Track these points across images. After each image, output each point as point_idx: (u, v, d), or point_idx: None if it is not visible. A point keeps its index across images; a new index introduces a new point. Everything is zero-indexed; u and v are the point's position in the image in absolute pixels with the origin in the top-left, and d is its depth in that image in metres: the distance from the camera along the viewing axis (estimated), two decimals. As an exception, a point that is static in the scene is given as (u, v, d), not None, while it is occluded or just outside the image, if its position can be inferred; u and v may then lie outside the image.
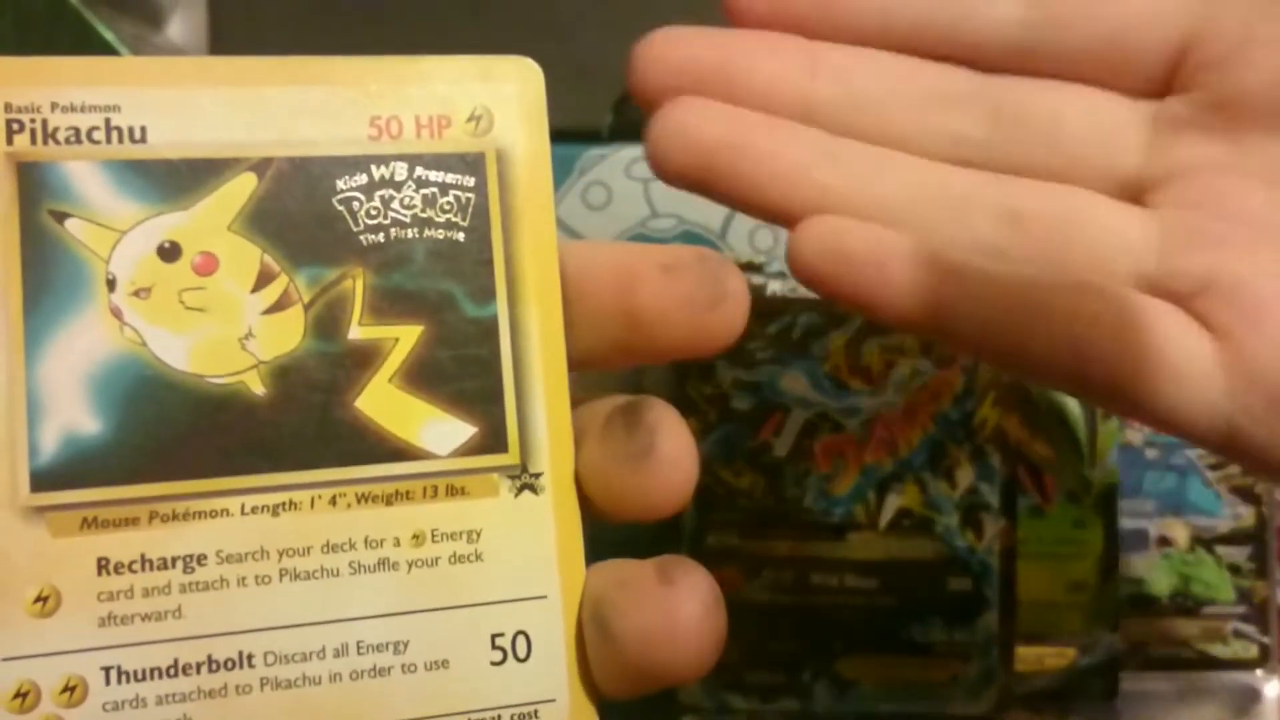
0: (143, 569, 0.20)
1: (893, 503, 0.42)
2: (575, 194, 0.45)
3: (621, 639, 0.21)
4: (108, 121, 0.21)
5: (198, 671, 0.20)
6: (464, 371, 0.22)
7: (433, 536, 0.22)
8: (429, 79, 0.22)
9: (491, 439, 0.22)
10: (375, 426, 0.22)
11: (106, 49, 0.37)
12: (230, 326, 0.21)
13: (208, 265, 0.21)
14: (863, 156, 0.27)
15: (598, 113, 0.44)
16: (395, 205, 0.22)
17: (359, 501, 0.21)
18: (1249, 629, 0.46)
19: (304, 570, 0.21)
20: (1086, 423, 0.44)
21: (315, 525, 0.21)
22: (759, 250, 0.45)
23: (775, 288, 0.42)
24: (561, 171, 0.44)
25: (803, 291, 0.30)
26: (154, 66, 0.22)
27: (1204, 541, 0.46)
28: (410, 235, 0.22)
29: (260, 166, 0.22)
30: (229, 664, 0.21)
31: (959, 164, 0.27)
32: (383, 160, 0.22)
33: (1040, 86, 0.27)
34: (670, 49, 0.27)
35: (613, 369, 0.24)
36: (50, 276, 0.21)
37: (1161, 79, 0.27)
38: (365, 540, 0.21)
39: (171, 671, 0.20)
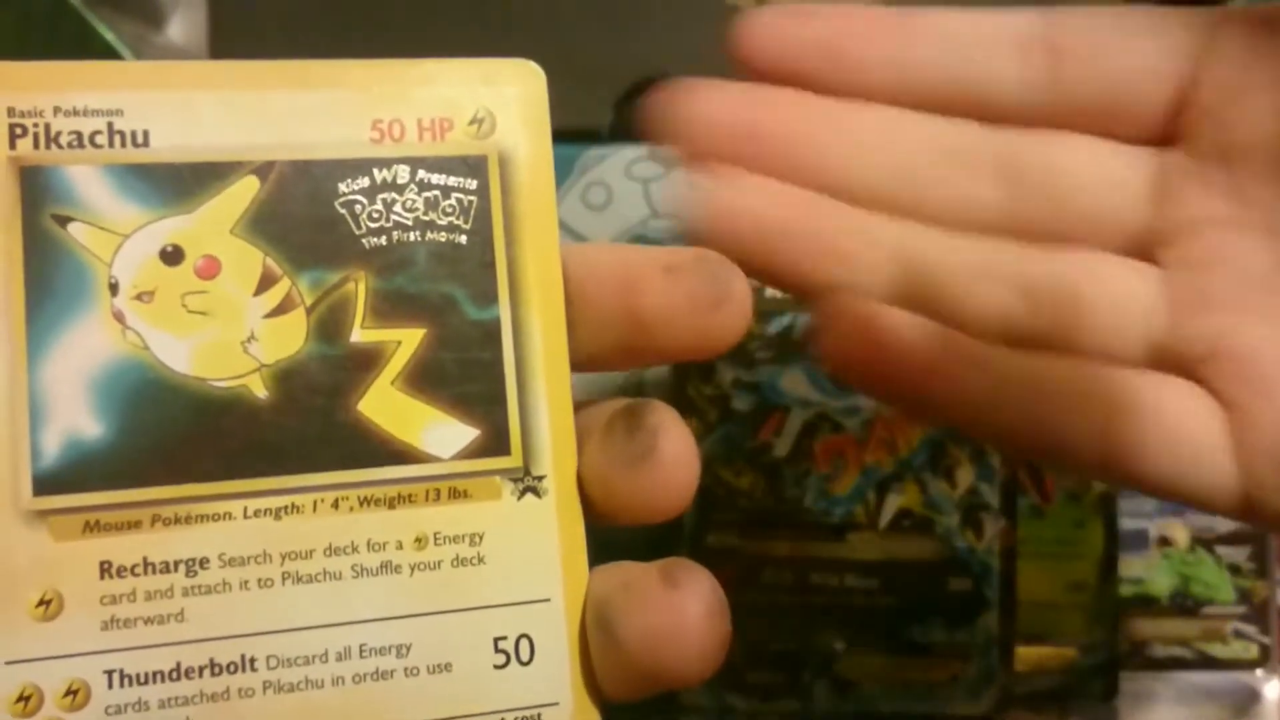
0: (145, 572, 0.21)
1: (893, 503, 0.42)
2: (575, 194, 0.45)
3: (626, 641, 0.21)
4: (110, 125, 0.21)
5: (200, 675, 0.20)
6: (466, 374, 0.22)
7: (435, 539, 0.22)
8: (431, 82, 0.22)
9: (494, 442, 0.22)
10: (378, 429, 0.22)
11: (107, 49, 0.37)
12: (233, 330, 0.21)
13: (210, 269, 0.21)
14: (903, 237, 0.27)
15: (598, 113, 0.44)
16: (397, 208, 0.22)
17: (361, 505, 0.21)
18: (1249, 629, 0.46)
19: (306, 573, 0.21)
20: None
21: (318, 528, 0.21)
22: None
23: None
24: (561, 171, 0.44)
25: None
26: (156, 71, 0.22)
27: (1204, 541, 0.47)
28: (412, 238, 0.22)
29: (262, 170, 0.22)
30: (231, 667, 0.21)
31: (971, 226, 0.27)
32: (385, 163, 0.22)
33: (1049, 140, 0.27)
34: (698, 108, 0.27)
35: (615, 370, 0.24)
36: (53, 280, 0.21)
37: (1164, 128, 0.26)
38: (368, 543, 0.21)
39: (174, 675, 0.20)
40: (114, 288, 0.21)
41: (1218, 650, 0.46)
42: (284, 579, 0.21)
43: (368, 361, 0.22)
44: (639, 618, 0.21)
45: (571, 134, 0.44)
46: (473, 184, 0.22)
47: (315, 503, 0.21)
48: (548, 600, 0.22)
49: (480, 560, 0.22)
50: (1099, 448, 0.25)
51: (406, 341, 0.22)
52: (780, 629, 0.41)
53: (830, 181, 0.27)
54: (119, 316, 0.21)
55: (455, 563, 0.22)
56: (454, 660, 0.22)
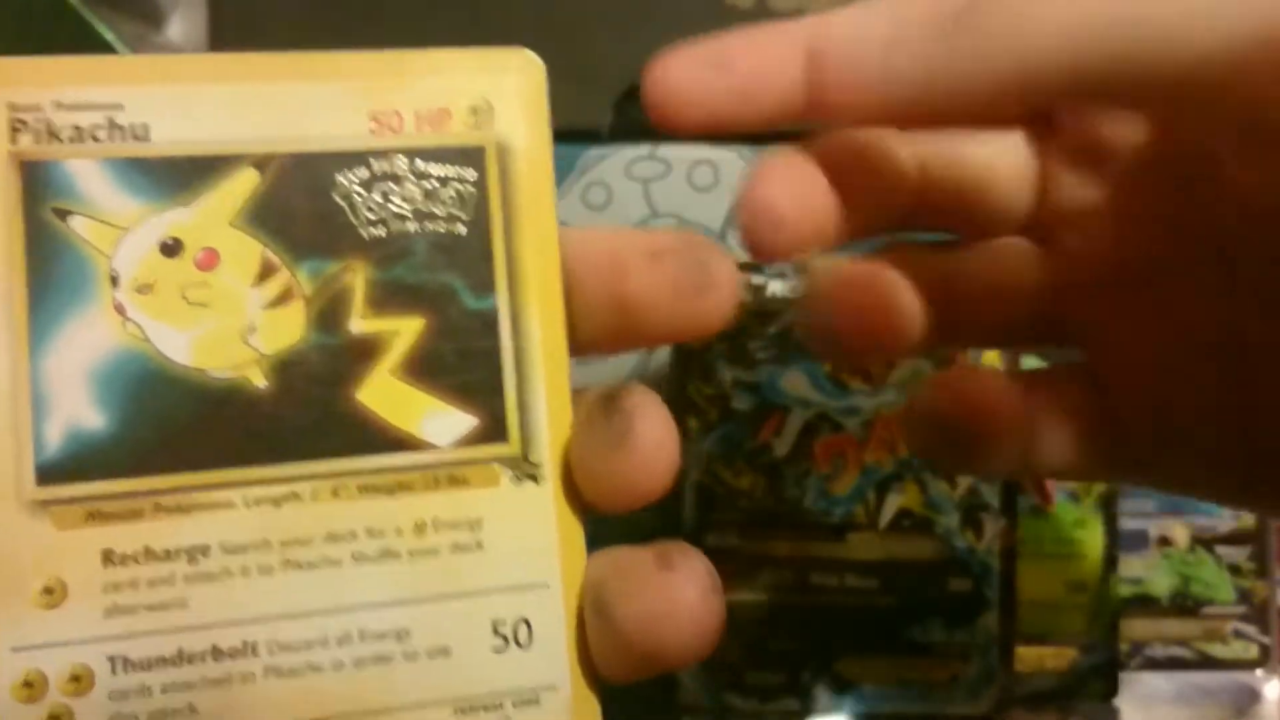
0: (147, 560, 0.21)
1: (893, 503, 0.42)
2: (575, 194, 0.45)
3: (621, 624, 0.21)
4: (110, 119, 0.21)
5: (202, 661, 0.21)
6: (465, 363, 0.22)
7: (434, 526, 0.22)
8: (429, 72, 0.23)
9: (492, 429, 0.22)
10: (377, 418, 0.22)
11: (106, 49, 0.37)
12: (232, 321, 0.21)
13: (210, 260, 0.21)
14: None
15: (598, 113, 0.44)
16: (396, 199, 0.22)
17: (361, 492, 0.22)
18: (1249, 629, 0.46)
19: (306, 560, 0.21)
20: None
21: (317, 516, 0.21)
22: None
23: (775, 288, 0.42)
24: (561, 171, 0.44)
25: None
26: (156, 64, 0.22)
27: (1204, 541, 0.46)
28: (411, 229, 0.22)
29: (261, 162, 0.22)
30: (233, 653, 0.21)
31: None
32: (383, 154, 0.22)
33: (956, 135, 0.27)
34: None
35: (607, 354, 0.24)
36: (54, 273, 0.21)
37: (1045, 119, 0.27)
38: (367, 530, 0.22)
39: (176, 661, 0.21)
40: (115, 280, 0.21)
41: (1218, 650, 0.46)
42: (284, 566, 0.21)
43: (367, 351, 0.22)
44: (634, 600, 0.21)
45: (571, 134, 0.44)
46: (471, 175, 0.23)
47: (315, 490, 0.21)
48: (545, 585, 0.22)
49: (479, 546, 0.22)
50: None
51: (405, 331, 0.22)
52: (780, 629, 0.41)
53: None
54: (120, 308, 0.21)
55: (454, 549, 0.22)
56: (453, 644, 0.22)
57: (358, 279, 0.22)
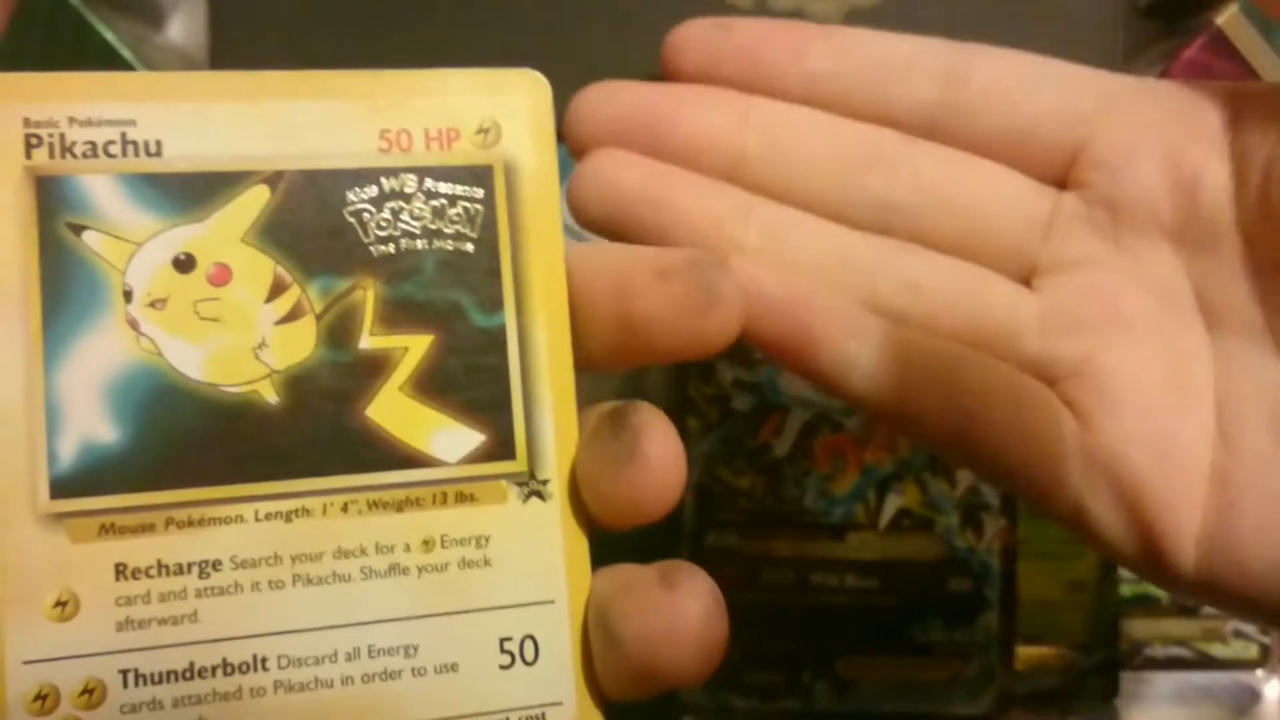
0: (159, 574, 0.21)
1: (893, 503, 0.42)
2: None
3: (625, 642, 0.21)
4: (124, 135, 0.21)
5: (213, 674, 0.21)
6: (473, 380, 0.22)
7: (442, 542, 0.22)
8: (438, 92, 0.23)
9: (500, 446, 0.22)
10: (386, 434, 0.22)
11: (106, 48, 0.37)
12: (244, 336, 0.22)
13: (222, 276, 0.22)
14: (775, 216, 0.28)
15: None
16: (405, 217, 0.22)
17: (370, 508, 0.22)
18: (1249, 629, 0.46)
19: (316, 575, 0.21)
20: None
21: (327, 531, 0.22)
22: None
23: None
24: (563, 173, 0.44)
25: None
26: (169, 81, 0.22)
27: (1203, 541, 0.46)
28: (420, 246, 0.22)
29: (273, 179, 0.22)
30: (243, 667, 0.21)
31: (874, 227, 0.28)
32: (392, 172, 0.22)
33: (961, 161, 0.28)
34: (603, 103, 0.28)
35: (612, 371, 0.24)
36: (68, 288, 0.21)
37: (1061, 172, 0.28)
38: (376, 546, 0.22)
39: (188, 674, 0.21)
40: (128, 295, 0.21)
41: (1218, 650, 0.46)
42: (294, 581, 0.21)
43: (376, 368, 0.22)
44: (638, 619, 0.21)
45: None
46: (479, 193, 0.23)
47: (325, 506, 0.22)
48: (552, 602, 0.22)
49: (486, 563, 0.22)
50: (955, 422, 0.26)
51: (414, 348, 0.22)
52: (780, 629, 0.41)
53: (729, 168, 0.28)
54: (133, 323, 0.21)
55: (462, 565, 0.22)
56: (460, 661, 0.22)
57: (368, 296, 0.22)
